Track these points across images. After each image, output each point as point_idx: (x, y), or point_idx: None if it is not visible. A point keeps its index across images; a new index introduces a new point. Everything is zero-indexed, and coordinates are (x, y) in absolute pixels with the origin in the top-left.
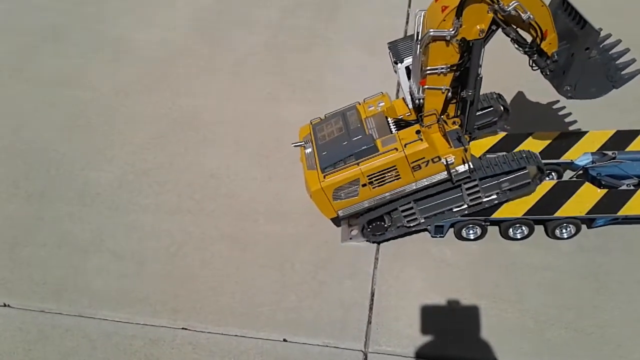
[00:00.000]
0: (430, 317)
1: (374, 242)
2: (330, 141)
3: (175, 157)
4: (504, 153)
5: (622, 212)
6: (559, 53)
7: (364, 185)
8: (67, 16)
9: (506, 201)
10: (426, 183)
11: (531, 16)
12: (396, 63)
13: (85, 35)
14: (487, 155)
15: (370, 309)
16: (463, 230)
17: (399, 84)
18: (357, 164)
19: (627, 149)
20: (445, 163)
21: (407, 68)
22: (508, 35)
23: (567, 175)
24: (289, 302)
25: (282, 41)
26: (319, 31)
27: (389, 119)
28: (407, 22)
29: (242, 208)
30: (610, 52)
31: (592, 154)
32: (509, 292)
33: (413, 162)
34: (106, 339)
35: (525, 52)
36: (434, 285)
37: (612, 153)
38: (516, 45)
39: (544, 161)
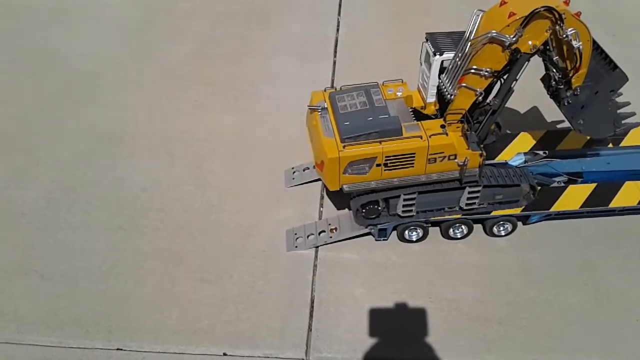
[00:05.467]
0: (370, 320)
1: (367, 227)
2: (354, 113)
3: (104, 173)
4: (501, 166)
5: (554, 208)
6: (582, 89)
7: (378, 165)
8: None
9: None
10: (435, 178)
11: (581, 46)
12: (435, 54)
13: (5, 48)
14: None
15: (311, 316)
16: (406, 232)
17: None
18: (380, 142)
19: (557, 148)
20: (460, 163)
21: (442, 62)
22: (549, 58)
23: None
24: (228, 315)
25: (213, 51)
26: (250, 40)
27: (408, 107)
28: (337, 30)
29: (176, 221)
30: (616, 99)
31: (525, 153)
32: (445, 290)
33: (432, 154)
34: None
35: (558, 79)
36: (373, 289)
37: (543, 152)
38: (553, 70)
39: None
